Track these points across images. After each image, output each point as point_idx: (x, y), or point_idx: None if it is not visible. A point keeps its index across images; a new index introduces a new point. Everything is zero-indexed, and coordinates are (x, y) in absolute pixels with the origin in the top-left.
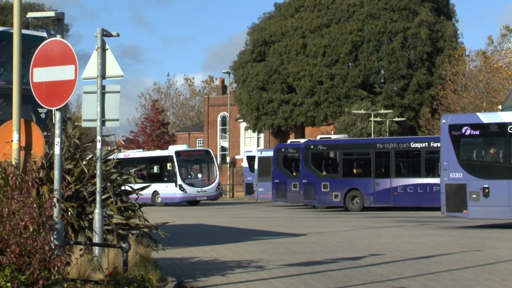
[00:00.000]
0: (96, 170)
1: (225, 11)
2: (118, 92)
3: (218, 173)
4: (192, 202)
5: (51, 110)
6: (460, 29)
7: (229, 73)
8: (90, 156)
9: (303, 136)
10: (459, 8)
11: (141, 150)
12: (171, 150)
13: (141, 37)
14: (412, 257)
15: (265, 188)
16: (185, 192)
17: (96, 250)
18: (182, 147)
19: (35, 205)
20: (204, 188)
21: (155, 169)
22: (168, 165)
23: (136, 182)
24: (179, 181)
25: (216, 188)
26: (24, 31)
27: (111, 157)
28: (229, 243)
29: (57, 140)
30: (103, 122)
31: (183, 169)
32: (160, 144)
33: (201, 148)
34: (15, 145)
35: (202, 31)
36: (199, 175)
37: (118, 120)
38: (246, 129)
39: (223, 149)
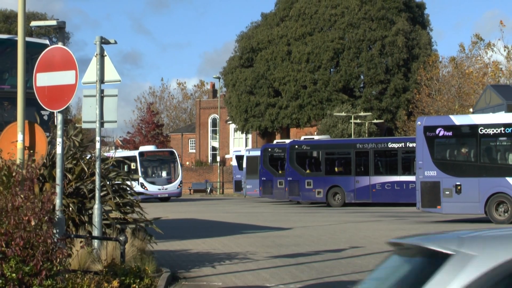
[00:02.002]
0: (96, 168)
1: (219, 20)
2: (116, 95)
3: (180, 172)
4: (162, 198)
5: (53, 113)
6: (439, 36)
7: (219, 78)
8: (89, 155)
9: (288, 137)
10: (439, 15)
11: (121, 150)
12: (136, 151)
13: (140, 44)
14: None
15: (252, 185)
16: (146, 189)
17: (95, 243)
18: (149, 148)
19: (38, 201)
20: (165, 186)
21: (125, 168)
22: (133, 164)
23: (133, 180)
24: (141, 179)
25: (178, 186)
26: (28, 39)
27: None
28: (219, 236)
29: (58, 140)
30: (101, 124)
31: (145, 168)
32: (154, 145)
33: (166, 149)
34: (19, 145)
35: (198, 38)
36: (164, 174)
37: (115, 121)
38: (235, 130)
39: (213, 148)
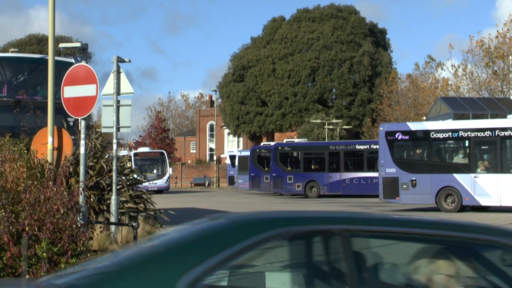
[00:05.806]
0: (113, 166)
1: (222, 41)
2: (130, 105)
3: (168, 169)
4: (156, 191)
5: (78, 119)
6: (405, 55)
7: (215, 90)
8: (108, 155)
9: (273, 140)
10: (406, 38)
11: (126, 151)
12: (132, 151)
13: (156, 61)
14: None
15: (243, 180)
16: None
17: (113, 228)
18: (144, 149)
19: (65, 193)
20: (155, 181)
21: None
22: (128, 163)
23: (145, 176)
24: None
25: (166, 181)
26: (57, 58)
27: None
28: None
29: (82, 142)
30: (118, 129)
31: (139, 166)
32: (162, 146)
33: (158, 150)
34: (49, 146)
35: (204, 56)
36: (154, 171)
37: (129, 127)
38: (229, 134)
39: (211, 149)
